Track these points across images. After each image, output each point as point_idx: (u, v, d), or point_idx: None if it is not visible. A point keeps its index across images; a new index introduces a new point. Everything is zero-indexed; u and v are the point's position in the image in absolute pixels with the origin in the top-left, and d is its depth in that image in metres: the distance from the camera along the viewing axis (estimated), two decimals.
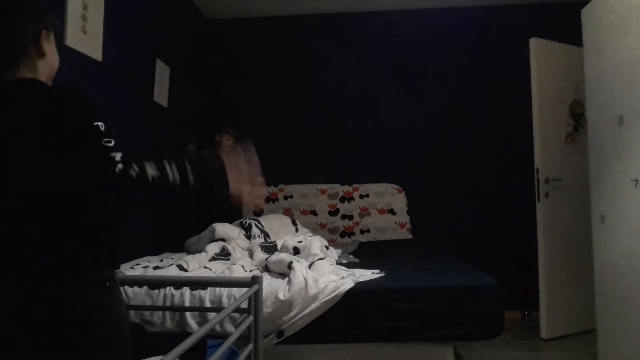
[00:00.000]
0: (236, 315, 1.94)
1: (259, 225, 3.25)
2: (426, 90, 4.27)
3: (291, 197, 4.14)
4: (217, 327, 1.94)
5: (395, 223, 4.02)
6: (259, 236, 3.13)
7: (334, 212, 4.09)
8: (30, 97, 1.04)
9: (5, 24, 1.07)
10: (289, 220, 3.61)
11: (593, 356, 2.85)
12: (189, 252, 2.93)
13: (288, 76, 4.41)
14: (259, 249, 2.70)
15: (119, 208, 1.12)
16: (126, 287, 2.07)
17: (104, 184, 1.07)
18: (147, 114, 3.20)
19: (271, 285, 2.07)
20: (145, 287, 2.09)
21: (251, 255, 2.71)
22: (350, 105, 4.32)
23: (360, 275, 2.18)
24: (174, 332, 2.00)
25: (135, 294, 2.08)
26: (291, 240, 2.70)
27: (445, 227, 4.12)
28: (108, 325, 1.05)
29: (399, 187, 4.16)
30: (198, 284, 2.04)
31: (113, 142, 1.06)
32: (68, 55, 2.28)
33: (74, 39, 2.29)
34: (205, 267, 2.44)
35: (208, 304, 2.04)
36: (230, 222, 3.22)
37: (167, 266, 2.40)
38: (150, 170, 1.07)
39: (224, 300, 2.03)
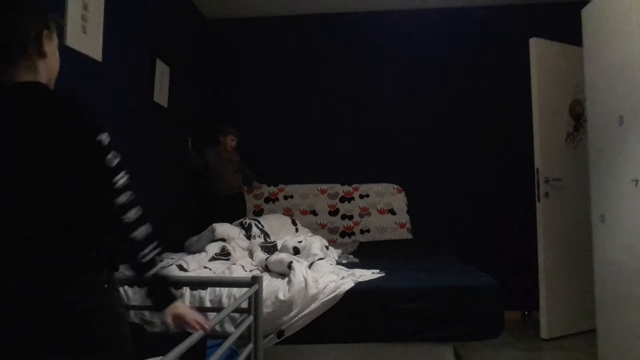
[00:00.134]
0: (236, 315, 1.94)
1: (259, 225, 3.25)
2: (426, 90, 4.27)
3: (291, 197, 4.14)
4: (217, 327, 1.94)
5: (395, 223, 4.02)
6: (259, 236, 3.13)
7: (334, 212, 4.09)
8: (32, 101, 1.04)
9: (6, 23, 1.06)
10: (289, 220, 3.61)
11: (593, 356, 2.85)
12: (189, 252, 2.93)
13: (288, 76, 4.41)
14: (259, 249, 2.71)
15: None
16: (126, 287, 2.06)
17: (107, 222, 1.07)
18: (147, 114, 3.20)
19: (271, 285, 2.07)
20: (146, 287, 2.08)
21: (251, 255, 2.71)
22: (350, 105, 4.33)
23: (360, 275, 2.18)
24: (174, 332, 2.00)
25: (135, 294, 2.08)
26: (291, 240, 2.70)
27: (445, 227, 4.12)
28: (108, 325, 1.05)
29: (399, 187, 4.16)
30: (198, 284, 2.04)
31: (118, 159, 1.07)
32: (68, 55, 2.28)
33: (74, 39, 2.29)
34: (205, 267, 2.44)
35: (208, 304, 2.04)
36: (230, 222, 3.23)
37: (167, 266, 2.40)
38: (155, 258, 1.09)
39: (224, 300, 2.03)
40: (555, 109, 3.51)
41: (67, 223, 1.02)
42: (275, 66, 4.42)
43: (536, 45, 3.45)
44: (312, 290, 2.01)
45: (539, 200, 3.39)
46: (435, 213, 4.15)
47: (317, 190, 4.16)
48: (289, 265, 2.17)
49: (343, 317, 2.00)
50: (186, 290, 2.09)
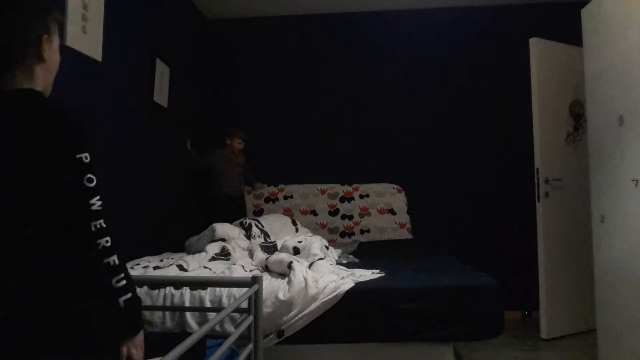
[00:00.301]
0: (236, 315, 1.94)
1: (259, 225, 3.25)
2: (426, 90, 4.27)
3: (291, 197, 4.14)
4: (217, 327, 1.94)
5: (395, 223, 4.02)
6: (259, 236, 3.13)
7: (334, 212, 4.09)
8: (21, 110, 1.03)
9: (5, 25, 1.05)
10: (289, 220, 3.61)
11: (593, 356, 2.85)
12: (189, 252, 2.93)
13: (288, 76, 4.41)
14: (259, 249, 2.70)
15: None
16: None
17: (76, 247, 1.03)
18: (147, 114, 3.20)
19: (271, 285, 2.07)
20: (145, 287, 2.09)
21: (251, 255, 2.71)
22: (350, 105, 4.33)
23: (360, 275, 2.18)
24: (174, 332, 2.00)
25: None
26: (291, 240, 2.70)
27: (445, 227, 4.12)
28: (108, 326, 1.05)
29: (399, 187, 4.16)
30: (198, 284, 2.04)
31: (95, 181, 1.03)
32: (68, 55, 2.28)
33: (74, 39, 2.29)
34: (205, 267, 2.44)
35: (208, 304, 2.04)
36: (230, 222, 3.23)
37: (167, 266, 2.40)
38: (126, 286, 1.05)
39: (224, 300, 2.03)
40: (555, 109, 3.51)
41: (67, 223, 1.02)
42: (275, 66, 4.42)
43: (536, 45, 3.45)
44: (312, 290, 2.01)
45: (539, 200, 3.39)
46: (435, 213, 4.15)
47: (317, 190, 4.16)
48: (289, 265, 2.17)
49: (343, 317, 2.00)
50: (186, 290, 2.09)
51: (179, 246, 3.24)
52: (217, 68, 4.45)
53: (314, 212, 4.08)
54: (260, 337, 1.63)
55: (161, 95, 3.39)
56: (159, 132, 3.39)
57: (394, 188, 4.15)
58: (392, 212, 4.06)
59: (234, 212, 3.68)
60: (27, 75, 1.07)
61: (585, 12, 2.93)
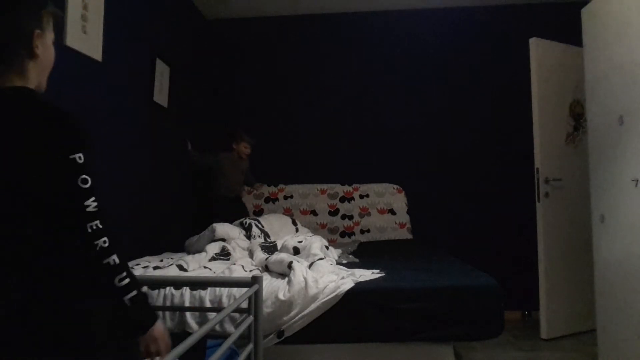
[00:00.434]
0: (236, 315, 1.94)
1: (259, 225, 3.25)
2: (426, 90, 4.27)
3: (291, 197, 4.14)
4: (217, 327, 1.94)
5: (395, 223, 4.02)
6: (259, 236, 3.13)
7: (334, 212, 4.09)
8: (14, 109, 1.01)
9: None
10: (289, 220, 3.61)
11: (593, 356, 2.85)
12: (189, 252, 2.93)
13: (288, 76, 4.41)
14: (259, 249, 2.70)
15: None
16: None
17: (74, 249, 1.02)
18: (147, 114, 3.20)
19: (271, 285, 2.07)
20: (145, 287, 2.09)
21: (251, 255, 2.71)
22: (350, 105, 4.33)
23: (360, 275, 2.18)
24: (174, 332, 2.00)
25: None
26: (291, 240, 2.70)
27: (445, 227, 4.12)
28: (108, 325, 1.05)
29: (399, 187, 4.16)
30: (198, 284, 2.04)
31: (90, 182, 1.01)
32: (68, 55, 2.28)
33: (74, 39, 2.29)
34: (205, 267, 2.44)
35: (208, 304, 2.04)
36: (230, 222, 3.23)
37: (167, 266, 2.40)
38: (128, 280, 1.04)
39: (224, 300, 2.03)
40: (555, 109, 3.51)
41: (67, 223, 1.02)
42: (275, 66, 4.42)
43: (536, 45, 3.45)
44: (312, 290, 2.01)
45: (539, 200, 3.39)
46: (435, 213, 4.15)
47: (317, 190, 4.16)
48: (289, 265, 2.17)
49: (343, 317, 2.00)
50: (186, 290, 2.09)
51: (179, 246, 3.24)
52: (217, 68, 4.45)
53: (314, 212, 4.08)
54: (260, 337, 1.63)
55: (161, 95, 3.39)
56: (159, 132, 3.39)
57: (394, 188, 4.15)
58: (392, 212, 4.06)
59: (234, 213, 3.68)
60: (18, 73, 1.05)
61: (585, 12, 2.93)
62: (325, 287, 2.03)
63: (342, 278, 2.11)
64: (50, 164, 0.99)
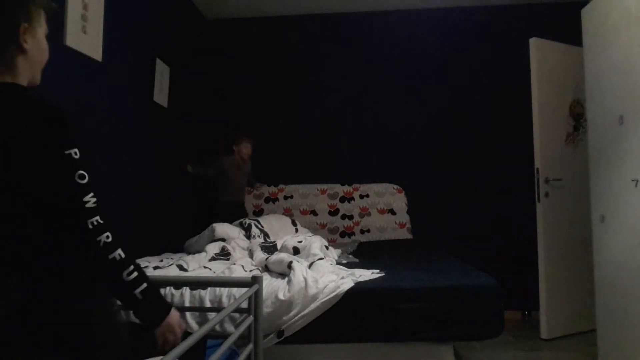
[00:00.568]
0: (236, 315, 1.94)
1: (259, 225, 3.25)
2: (426, 90, 4.27)
3: (291, 197, 4.14)
4: (217, 327, 1.94)
5: (395, 223, 4.02)
6: (259, 236, 3.13)
7: (334, 212, 4.09)
8: (3, 106, 0.98)
9: None
10: (289, 220, 3.61)
11: (593, 356, 2.85)
12: (188, 252, 2.94)
13: (288, 76, 4.41)
14: (259, 249, 2.70)
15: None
16: None
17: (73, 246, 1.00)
18: (147, 114, 3.20)
19: (271, 285, 2.07)
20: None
21: (251, 255, 2.71)
22: (350, 105, 4.33)
23: (360, 275, 2.18)
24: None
25: None
26: (291, 240, 2.70)
27: (445, 227, 4.12)
28: (107, 325, 1.05)
29: (399, 187, 4.16)
30: (198, 284, 2.04)
31: (87, 177, 0.99)
32: (68, 55, 2.28)
33: (74, 39, 2.29)
34: (205, 267, 2.44)
35: (208, 304, 2.04)
36: (230, 223, 3.23)
37: (167, 266, 2.40)
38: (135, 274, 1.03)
39: (224, 300, 2.03)
40: (555, 109, 3.51)
41: (67, 224, 1.01)
42: (275, 66, 4.42)
43: (536, 45, 3.45)
44: (312, 290, 2.01)
45: (539, 200, 3.39)
46: (435, 213, 4.15)
47: (317, 190, 4.16)
48: (289, 265, 2.17)
49: (343, 317, 2.00)
50: (186, 290, 2.09)
51: (179, 246, 3.24)
52: (217, 68, 4.45)
53: (314, 212, 4.08)
54: (260, 337, 1.63)
55: (161, 95, 3.39)
56: (159, 132, 3.39)
57: (394, 188, 4.15)
58: (392, 212, 4.06)
59: (234, 215, 3.66)
60: (7, 68, 1.02)
61: (585, 12, 2.93)
62: (325, 287, 2.03)
63: (342, 278, 2.11)
64: (45, 161, 0.97)
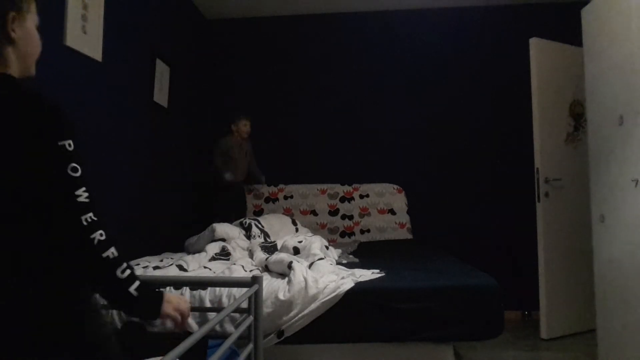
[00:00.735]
0: (236, 315, 1.94)
1: (259, 225, 3.25)
2: (426, 90, 4.27)
3: (291, 197, 4.14)
4: (217, 327, 1.94)
5: (395, 223, 4.02)
6: (259, 236, 3.13)
7: (334, 212, 4.09)
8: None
9: None
10: (289, 220, 3.61)
11: (593, 356, 2.85)
12: (189, 252, 2.93)
13: (288, 76, 4.41)
14: (259, 249, 2.70)
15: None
16: None
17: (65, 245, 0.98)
18: (147, 114, 3.20)
19: (271, 285, 2.07)
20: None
21: (251, 255, 2.71)
22: (350, 105, 4.33)
23: (360, 275, 2.18)
24: (174, 332, 2.00)
25: None
26: (291, 240, 2.70)
27: (445, 227, 4.12)
28: (100, 326, 1.05)
29: (399, 187, 4.16)
30: (198, 284, 2.04)
31: (80, 171, 0.96)
32: (68, 55, 2.28)
33: (74, 39, 2.29)
34: (205, 267, 2.44)
35: (208, 304, 2.04)
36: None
37: (167, 266, 2.40)
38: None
39: (224, 300, 2.03)
40: (555, 109, 3.51)
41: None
42: (275, 66, 4.42)
43: (536, 45, 3.45)
44: (312, 290, 2.01)
45: (539, 200, 3.39)
46: (435, 213, 4.15)
47: (317, 190, 4.16)
48: (289, 265, 2.17)
49: (343, 317, 2.00)
50: (186, 290, 2.09)
51: (179, 246, 3.24)
52: (217, 68, 4.45)
53: (314, 212, 4.08)
54: (260, 337, 1.63)
55: (161, 95, 3.39)
56: (159, 132, 3.39)
57: (394, 188, 4.15)
58: (392, 212, 4.06)
59: (234, 203, 3.64)
60: None
61: (585, 12, 2.93)
62: (325, 287, 2.03)
63: (342, 278, 2.11)
64: (37, 152, 0.94)
